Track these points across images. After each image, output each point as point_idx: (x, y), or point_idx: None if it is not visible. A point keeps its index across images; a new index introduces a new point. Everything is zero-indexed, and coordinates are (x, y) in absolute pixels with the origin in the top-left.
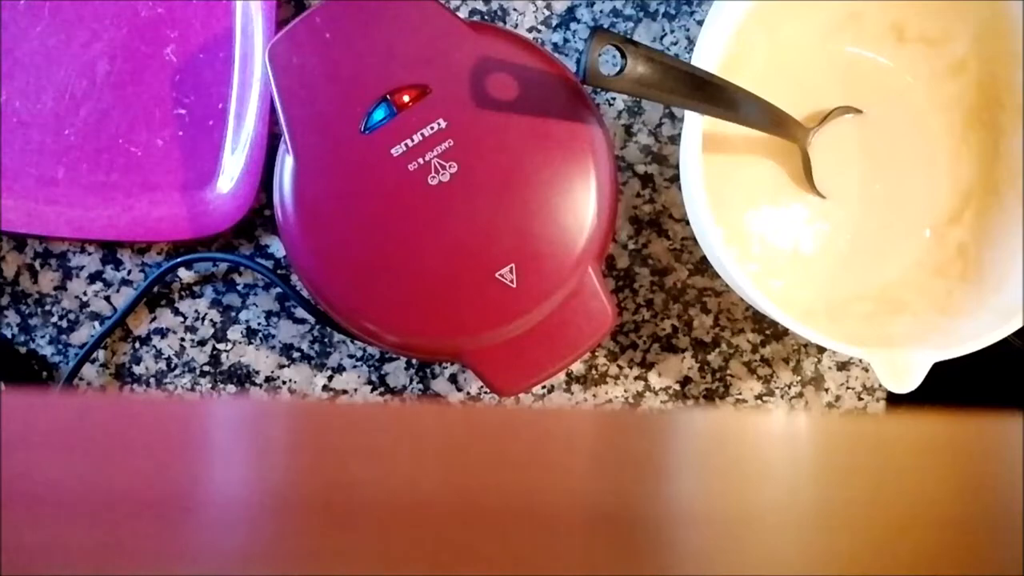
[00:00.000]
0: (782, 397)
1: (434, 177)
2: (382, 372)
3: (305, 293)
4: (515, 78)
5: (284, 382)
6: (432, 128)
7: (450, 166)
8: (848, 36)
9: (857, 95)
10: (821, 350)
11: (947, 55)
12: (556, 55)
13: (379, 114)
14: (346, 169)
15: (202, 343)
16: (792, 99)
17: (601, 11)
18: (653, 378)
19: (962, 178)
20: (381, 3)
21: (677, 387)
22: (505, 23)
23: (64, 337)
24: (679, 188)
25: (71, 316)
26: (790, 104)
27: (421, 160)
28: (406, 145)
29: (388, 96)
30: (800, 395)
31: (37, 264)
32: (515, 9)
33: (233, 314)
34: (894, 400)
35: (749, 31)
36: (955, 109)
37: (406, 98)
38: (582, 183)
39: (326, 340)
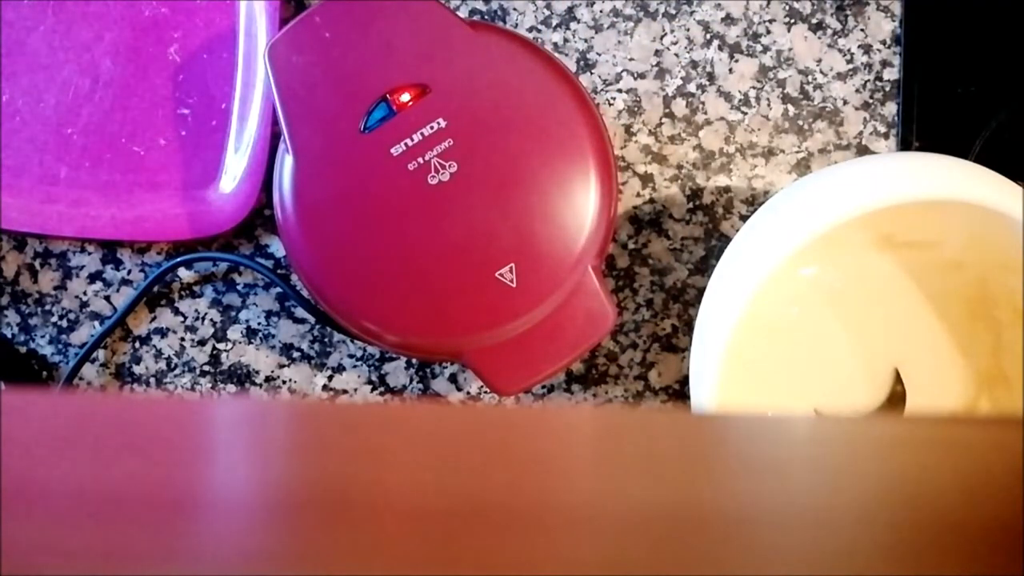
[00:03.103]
0: None
1: (434, 176)
2: (382, 372)
3: (305, 293)
4: (515, 78)
5: (284, 382)
6: (432, 127)
7: (450, 166)
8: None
9: (854, 300)
10: None
11: (939, 256)
12: (556, 55)
13: (379, 113)
14: (345, 168)
15: (202, 343)
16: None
17: (601, 11)
18: (653, 378)
19: (971, 368)
20: (381, 2)
21: (677, 387)
22: (505, 23)
23: (64, 337)
24: (679, 188)
25: (71, 316)
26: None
27: (421, 160)
28: (406, 144)
29: (388, 95)
30: None
31: (37, 264)
32: (515, 9)
33: (233, 314)
34: None
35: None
36: (955, 302)
37: (406, 97)
38: (582, 183)
39: (326, 340)
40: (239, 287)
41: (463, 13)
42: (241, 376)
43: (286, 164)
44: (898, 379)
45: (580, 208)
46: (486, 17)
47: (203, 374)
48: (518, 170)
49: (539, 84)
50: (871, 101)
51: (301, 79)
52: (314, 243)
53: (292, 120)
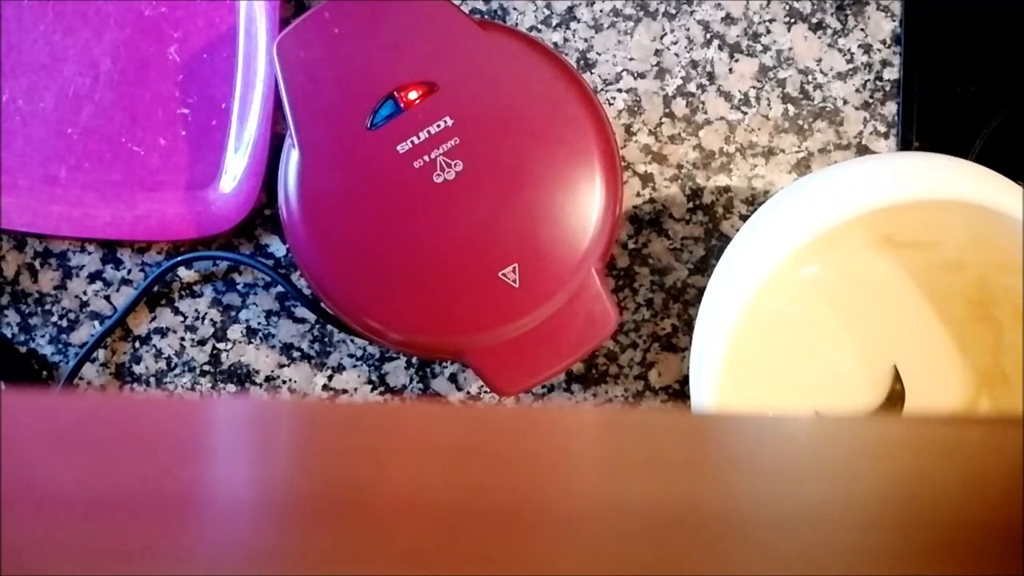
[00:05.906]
0: None
1: (439, 175)
2: (382, 371)
3: (307, 291)
4: (522, 77)
5: (284, 381)
6: (438, 126)
7: (455, 164)
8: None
9: (855, 299)
10: None
11: (939, 256)
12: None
13: (386, 110)
14: (351, 165)
15: (202, 343)
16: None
17: (601, 10)
18: (653, 378)
19: (971, 368)
20: (391, 0)
21: (677, 387)
22: (505, 22)
23: (64, 337)
24: (679, 188)
25: (71, 316)
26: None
27: (427, 158)
28: (412, 142)
29: (395, 93)
30: None
31: (37, 263)
32: (515, 8)
33: (233, 313)
34: None
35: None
36: (955, 302)
37: (413, 95)
38: (587, 184)
39: (326, 339)
40: (239, 287)
41: None
42: (241, 376)
43: (292, 159)
44: (898, 378)
45: (585, 210)
46: (486, 17)
47: (203, 374)
48: (524, 170)
49: (547, 85)
50: (871, 101)
51: (309, 74)
52: (318, 238)
53: (299, 115)
